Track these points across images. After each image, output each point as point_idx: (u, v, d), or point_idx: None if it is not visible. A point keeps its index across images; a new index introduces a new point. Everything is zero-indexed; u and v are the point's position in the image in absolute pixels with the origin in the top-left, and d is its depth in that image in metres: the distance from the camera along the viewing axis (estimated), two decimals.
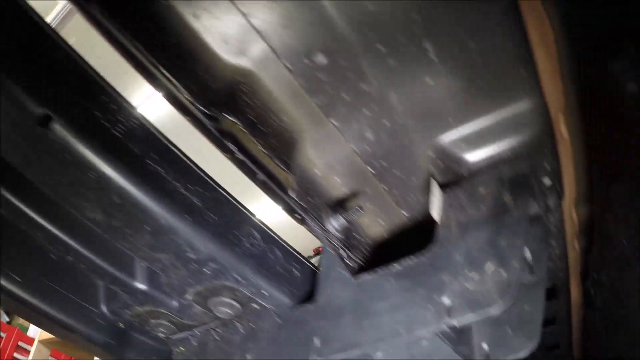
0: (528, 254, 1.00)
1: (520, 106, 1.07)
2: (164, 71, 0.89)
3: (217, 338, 1.38)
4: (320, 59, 0.99)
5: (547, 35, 1.07)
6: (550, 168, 1.13)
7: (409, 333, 0.99)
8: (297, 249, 1.36)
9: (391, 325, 1.02)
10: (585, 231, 1.44)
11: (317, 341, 1.13)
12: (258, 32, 0.95)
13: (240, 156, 0.96)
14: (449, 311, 0.96)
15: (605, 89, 0.97)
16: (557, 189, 1.17)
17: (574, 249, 1.46)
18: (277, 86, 1.06)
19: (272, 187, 1.01)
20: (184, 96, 0.90)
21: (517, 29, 0.98)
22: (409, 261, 1.10)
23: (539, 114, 1.08)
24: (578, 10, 0.94)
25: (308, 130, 1.13)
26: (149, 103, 3.95)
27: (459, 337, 1.17)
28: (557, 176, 1.14)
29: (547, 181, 1.15)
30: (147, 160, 1.00)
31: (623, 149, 1.11)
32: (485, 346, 1.11)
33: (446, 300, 0.98)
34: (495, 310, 0.91)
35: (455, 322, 0.95)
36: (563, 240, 1.32)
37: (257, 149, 0.99)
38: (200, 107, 0.89)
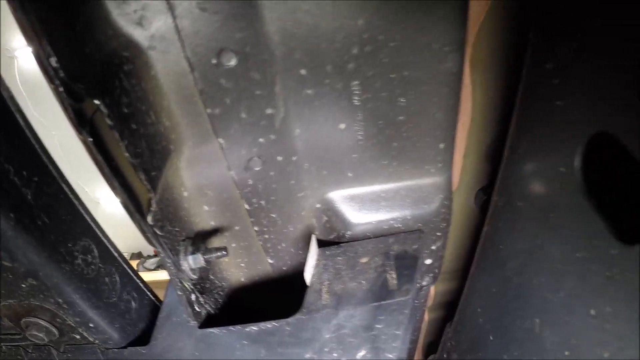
0: (400, 343, 0.90)
1: (427, 182, 0.98)
2: (34, 19, 0.61)
3: None
4: (230, 60, 0.79)
5: (466, 117, 1.01)
6: (436, 249, 1.06)
7: None
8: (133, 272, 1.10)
9: None
10: (440, 305, 1.43)
11: None
12: (170, 4, 0.72)
13: (96, 154, 0.71)
14: None
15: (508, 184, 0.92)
16: (435, 271, 1.11)
17: (424, 320, 1.44)
18: (169, 80, 0.83)
19: (128, 204, 0.77)
20: (49, 58, 0.63)
21: (451, 104, 0.90)
22: (269, 325, 0.93)
23: (442, 192, 1.00)
24: None
25: (188, 143, 0.91)
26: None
27: None
28: (440, 258, 1.08)
29: (428, 262, 1.08)
30: None
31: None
32: None
33: None
34: None
35: None
36: (422, 315, 1.28)
37: (119, 151, 0.74)
38: (63, 77, 0.63)
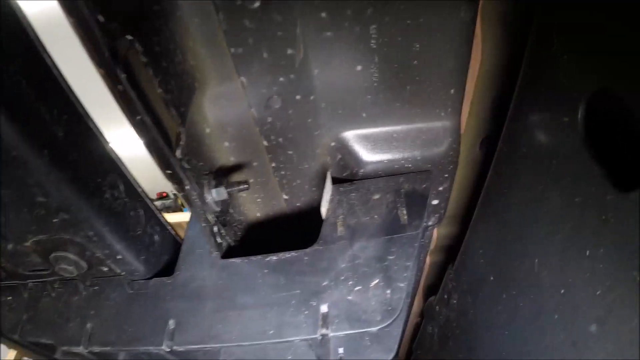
0: (410, 273, 0.97)
1: (437, 125, 1.03)
2: None
3: (53, 295, 1.12)
4: (254, 2, 0.83)
5: (475, 64, 1.05)
6: (443, 190, 1.12)
7: (279, 337, 0.89)
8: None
9: (260, 324, 0.91)
10: (441, 249, 1.51)
11: (171, 324, 0.97)
12: None
13: (131, 93, 0.74)
14: (324, 319, 0.89)
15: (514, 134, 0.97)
16: (441, 212, 1.17)
17: (425, 263, 1.52)
18: (197, 21, 0.86)
19: (158, 140, 0.81)
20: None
21: (462, 53, 0.94)
22: (288, 255, 1.00)
23: (451, 135, 1.05)
24: None
25: (211, 81, 0.95)
26: None
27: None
28: (446, 200, 1.14)
29: (435, 202, 1.14)
30: (9, 67, 0.71)
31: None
32: (341, 350, 1.06)
33: (323, 308, 0.91)
34: (373, 330, 0.86)
35: (329, 333, 0.88)
36: (425, 256, 1.36)
37: (151, 87, 0.78)
38: (100, 18, 0.66)
